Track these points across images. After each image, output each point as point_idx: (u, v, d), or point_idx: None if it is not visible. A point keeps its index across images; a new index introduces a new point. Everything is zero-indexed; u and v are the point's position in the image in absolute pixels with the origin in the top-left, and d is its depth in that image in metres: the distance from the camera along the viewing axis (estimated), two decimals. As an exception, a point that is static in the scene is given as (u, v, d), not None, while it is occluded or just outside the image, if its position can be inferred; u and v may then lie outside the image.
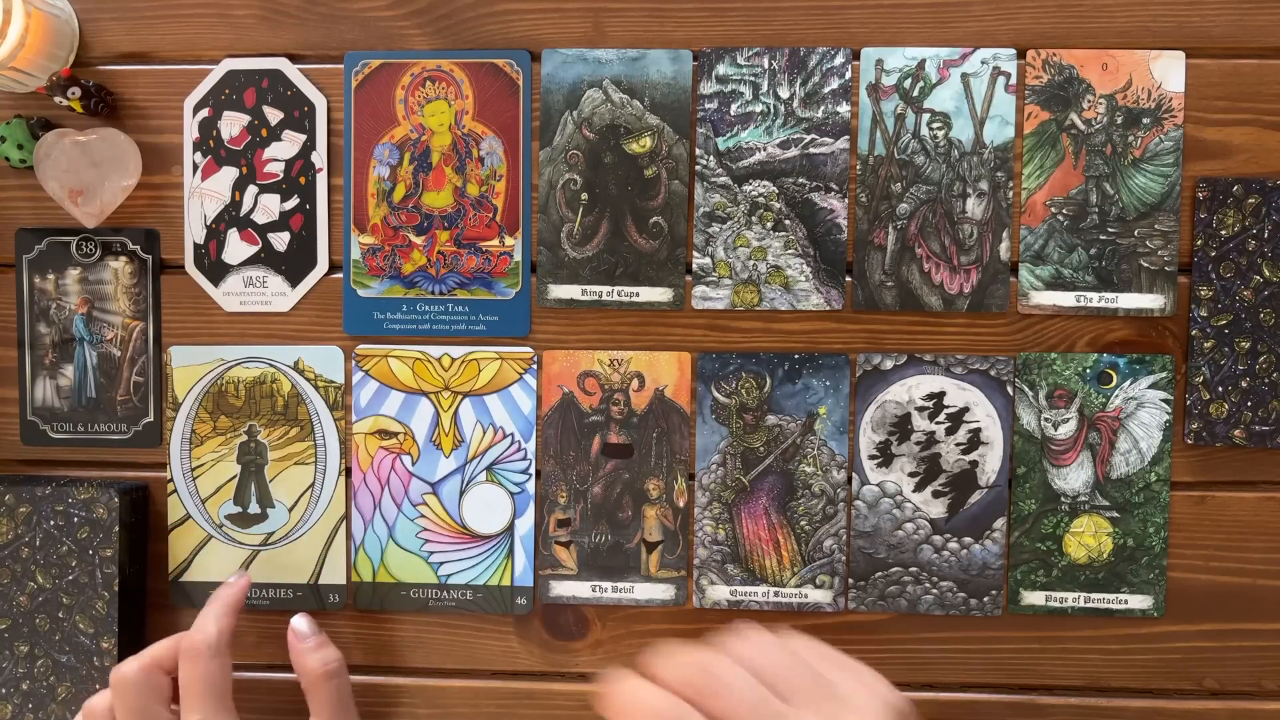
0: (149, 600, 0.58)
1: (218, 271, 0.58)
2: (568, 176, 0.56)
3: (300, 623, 0.55)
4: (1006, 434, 0.56)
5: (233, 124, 0.57)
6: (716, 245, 0.56)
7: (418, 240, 0.57)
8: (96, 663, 0.55)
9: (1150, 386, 0.55)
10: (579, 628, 0.57)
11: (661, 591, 0.57)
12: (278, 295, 0.58)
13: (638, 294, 0.56)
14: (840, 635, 0.57)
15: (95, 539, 0.55)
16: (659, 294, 0.56)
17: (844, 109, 0.55)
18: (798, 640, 0.36)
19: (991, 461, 0.56)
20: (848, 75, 0.55)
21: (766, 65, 0.55)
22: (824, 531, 0.56)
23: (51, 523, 0.55)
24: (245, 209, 0.58)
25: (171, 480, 0.58)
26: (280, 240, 0.58)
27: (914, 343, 0.56)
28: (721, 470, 0.56)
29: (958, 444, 0.56)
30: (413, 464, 0.57)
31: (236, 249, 0.58)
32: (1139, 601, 0.56)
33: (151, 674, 0.50)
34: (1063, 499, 0.55)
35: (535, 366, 0.57)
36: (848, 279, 0.56)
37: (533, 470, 0.57)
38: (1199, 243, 0.55)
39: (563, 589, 0.57)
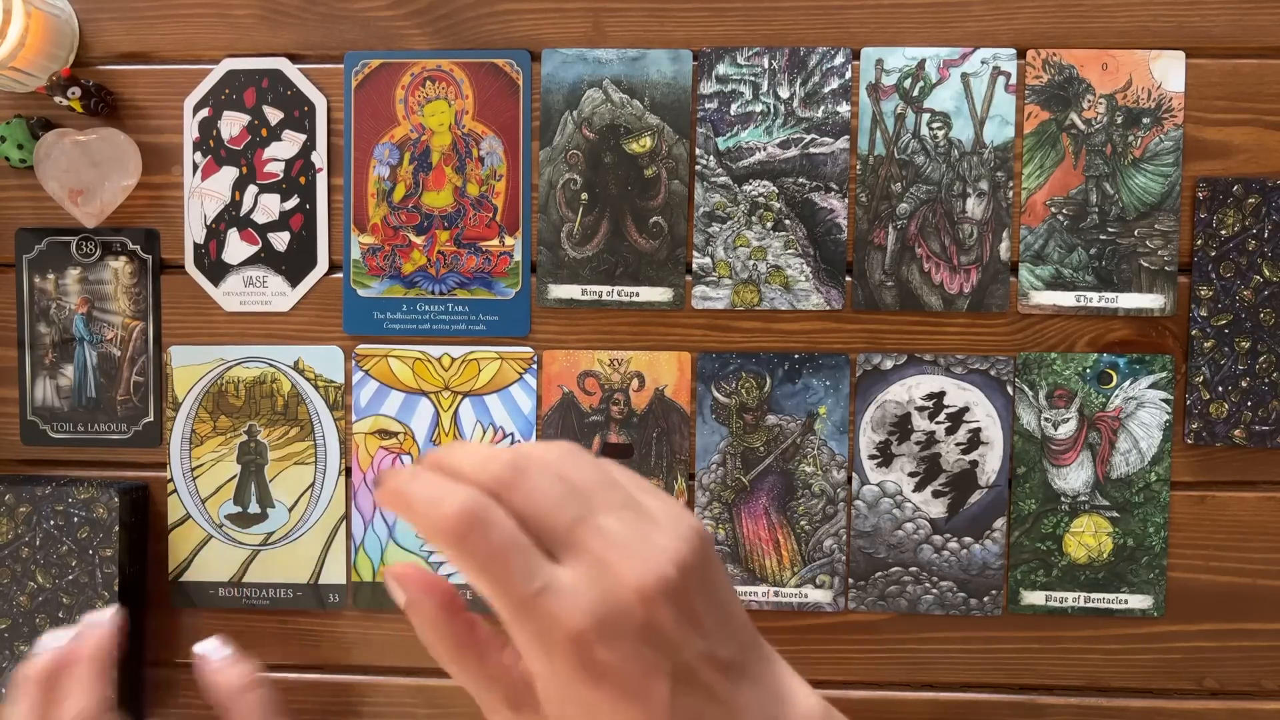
0: (149, 600, 0.58)
1: (218, 271, 0.58)
2: (568, 176, 0.56)
3: (207, 648, 0.48)
4: (1006, 434, 0.56)
5: (233, 124, 0.57)
6: (716, 245, 0.56)
7: (418, 240, 0.57)
8: None
9: (1150, 386, 0.55)
10: (579, 628, 0.57)
11: (661, 591, 0.57)
12: (278, 295, 0.58)
13: (638, 294, 0.56)
14: (840, 635, 0.57)
15: (95, 539, 0.55)
16: (659, 294, 0.56)
17: (844, 109, 0.55)
18: (610, 463, 0.33)
19: (991, 461, 0.56)
20: (848, 75, 0.55)
21: (766, 65, 0.55)
22: (824, 531, 0.56)
23: (51, 523, 0.55)
24: (245, 209, 0.58)
25: (171, 480, 0.58)
26: (280, 240, 0.58)
27: (914, 343, 0.56)
28: (721, 470, 0.56)
29: (958, 444, 0.56)
30: (413, 464, 0.57)
31: (236, 249, 0.58)
32: (1139, 601, 0.56)
33: None
34: (1063, 499, 0.55)
35: (535, 366, 0.57)
36: (848, 279, 0.56)
37: (533, 470, 0.57)
38: (1199, 242, 0.55)
39: (563, 589, 0.57)
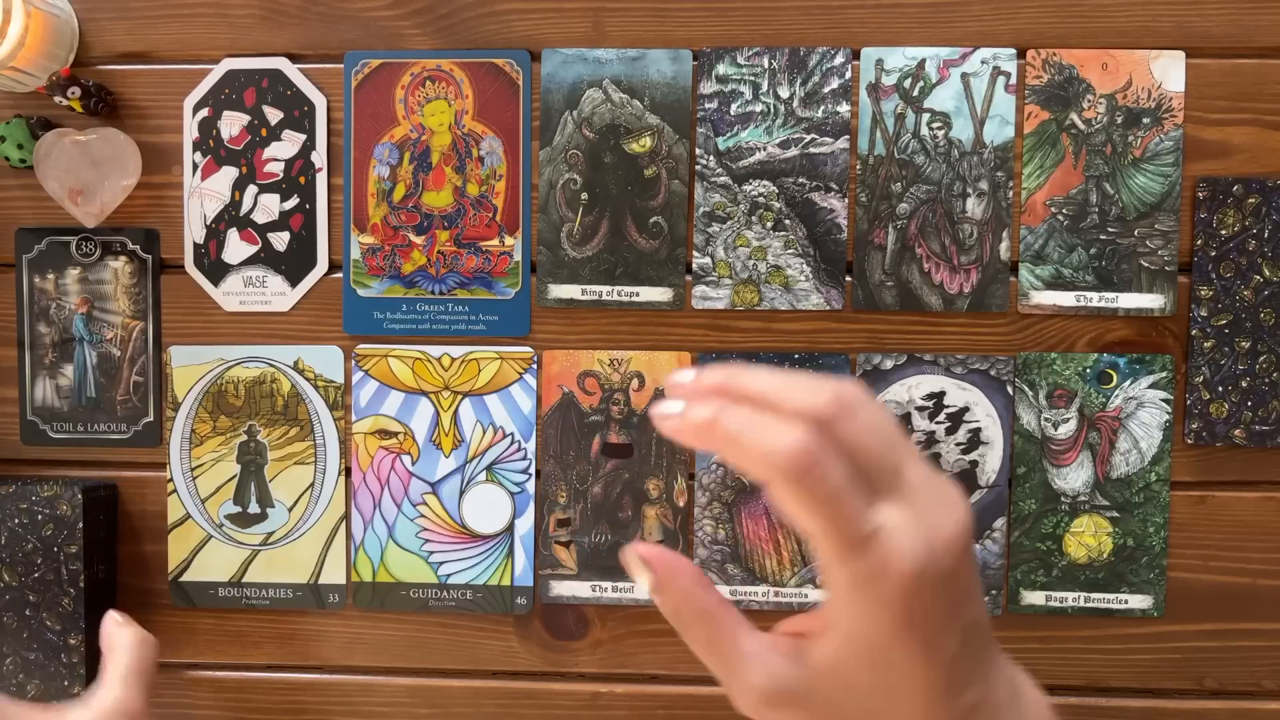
0: (152, 600, 0.58)
1: (217, 271, 0.58)
2: (568, 176, 0.56)
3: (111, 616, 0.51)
4: (1006, 434, 0.56)
5: (232, 124, 0.57)
6: (716, 245, 0.56)
7: (418, 240, 0.57)
8: (64, 659, 0.56)
9: (1150, 386, 0.55)
10: (579, 628, 0.57)
11: (661, 591, 0.57)
12: (277, 295, 0.58)
13: (638, 294, 0.56)
14: (840, 635, 0.56)
15: (60, 536, 0.55)
16: (659, 294, 0.56)
17: (844, 109, 0.55)
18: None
19: (991, 461, 0.56)
20: (848, 75, 0.55)
21: (766, 65, 0.55)
22: (824, 531, 0.56)
23: (16, 521, 0.55)
24: (245, 209, 0.58)
25: (171, 480, 0.58)
26: (280, 240, 0.58)
27: (914, 342, 0.56)
28: (721, 470, 0.56)
29: (958, 444, 0.56)
30: (413, 464, 0.57)
31: (236, 249, 0.58)
32: (1139, 601, 0.56)
33: None
34: (1063, 499, 0.55)
35: (535, 366, 0.57)
36: (848, 279, 0.56)
37: (533, 470, 0.57)
38: (1199, 242, 0.55)
39: (563, 589, 0.57)
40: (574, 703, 0.57)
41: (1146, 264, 0.55)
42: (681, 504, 0.57)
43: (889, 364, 0.56)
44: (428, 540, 0.57)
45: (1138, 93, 0.55)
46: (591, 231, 0.56)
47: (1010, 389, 0.55)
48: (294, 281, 0.58)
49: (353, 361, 0.57)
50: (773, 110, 0.55)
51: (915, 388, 0.56)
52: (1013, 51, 0.55)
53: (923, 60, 0.55)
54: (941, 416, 0.56)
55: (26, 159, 0.57)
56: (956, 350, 0.56)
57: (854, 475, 0.28)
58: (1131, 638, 0.56)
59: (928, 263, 0.56)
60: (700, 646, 0.33)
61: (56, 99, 0.55)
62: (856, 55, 0.55)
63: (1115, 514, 0.55)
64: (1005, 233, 0.55)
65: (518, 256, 0.57)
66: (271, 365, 0.58)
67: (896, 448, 0.30)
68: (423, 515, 0.57)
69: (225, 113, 0.57)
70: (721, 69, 0.56)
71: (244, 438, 0.58)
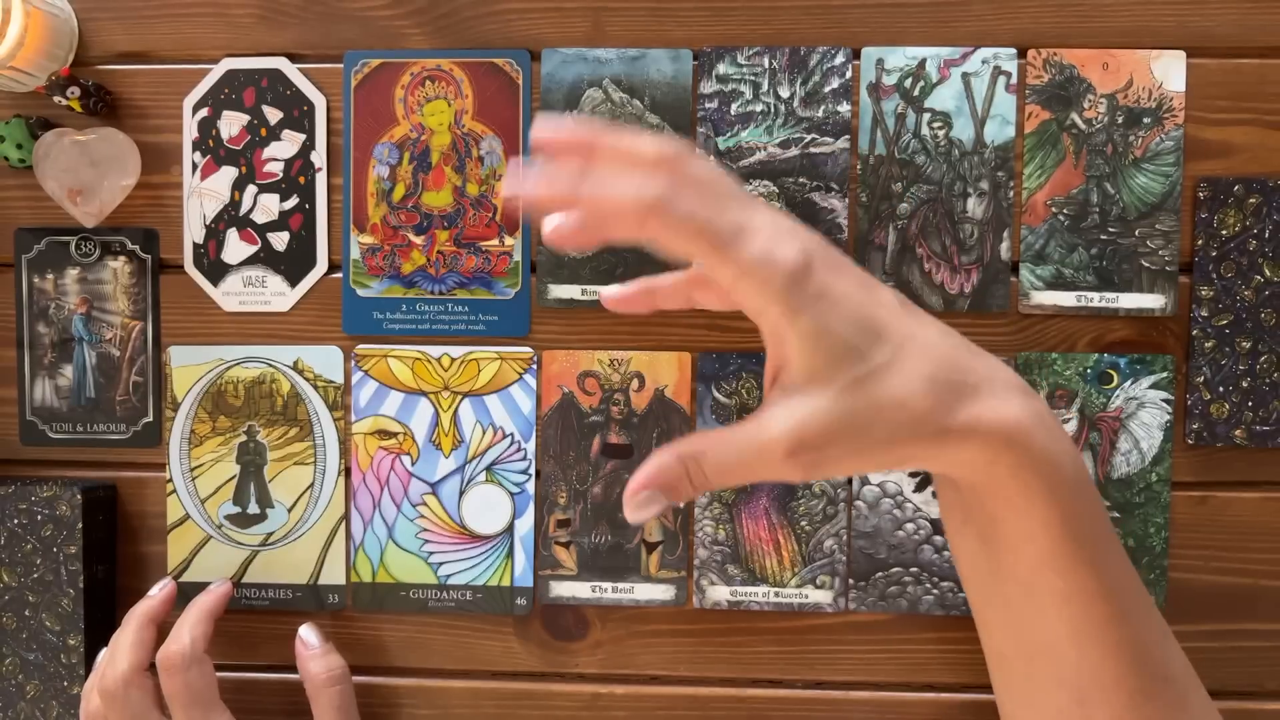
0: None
1: (217, 271, 0.58)
2: (568, 176, 0.56)
3: (307, 632, 0.56)
4: (1007, 434, 0.55)
5: (232, 123, 0.57)
6: (717, 245, 0.56)
7: (417, 240, 0.57)
8: (64, 660, 0.55)
9: (1151, 386, 0.55)
10: (579, 628, 0.57)
11: (662, 592, 0.57)
12: (277, 295, 0.58)
13: (638, 294, 0.56)
14: (841, 635, 0.56)
15: (59, 536, 0.55)
16: (659, 294, 0.56)
17: (844, 108, 0.55)
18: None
19: (992, 462, 0.56)
20: (848, 75, 0.55)
21: (767, 65, 0.55)
22: (824, 532, 0.56)
23: (15, 521, 0.55)
24: (244, 209, 0.58)
25: (171, 480, 0.58)
26: (279, 240, 0.58)
27: (914, 343, 0.56)
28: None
29: (958, 444, 0.56)
30: (412, 464, 0.57)
31: (236, 249, 0.58)
32: (1140, 602, 0.55)
33: (137, 683, 0.52)
34: (1063, 499, 0.55)
35: (535, 366, 0.57)
36: (848, 279, 0.56)
37: (532, 470, 0.57)
38: (1200, 242, 0.55)
39: (563, 589, 0.57)
40: (574, 703, 0.57)
41: (1147, 264, 0.55)
42: (681, 504, 0.57)
43: (889, 364, 0.56)
44: (427, 541, 0.57)
45: (1139, 92, 0.55)
46: (591, 231, 0.56)
47: (1011, 389, 0.55)
48: (293, 281, 0.58)
49: (352, 362, 0.57)
50: (773, 110, 0.55)
51: (916, 388, 0.56)
52: (1013, 51, 0.55)
53: (923, 60, 0.55)
54: (942, 417, 0.56)
55: (26, 159, 0.56)
56: (957, 350, 0.56)
57: (710, 198, 0.34)
58: (1132, 638, 0.56)
59: (928, 263, 0.55)
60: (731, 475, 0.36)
61: (56, 99, 0.55)
62: (857, 55, 0.55)
63: (1116, 514, 0.55)
64: (1006, 233, 0.55)
65: (517, 256, 0.57)
66: (271, 365, 0.58)
67: (737, 186, 0.35)
68: (422, 516, 0.57)
69: (225, 112, 0.57)
70: (722, 69, 0.55)
71: (243, 438, 0.58)
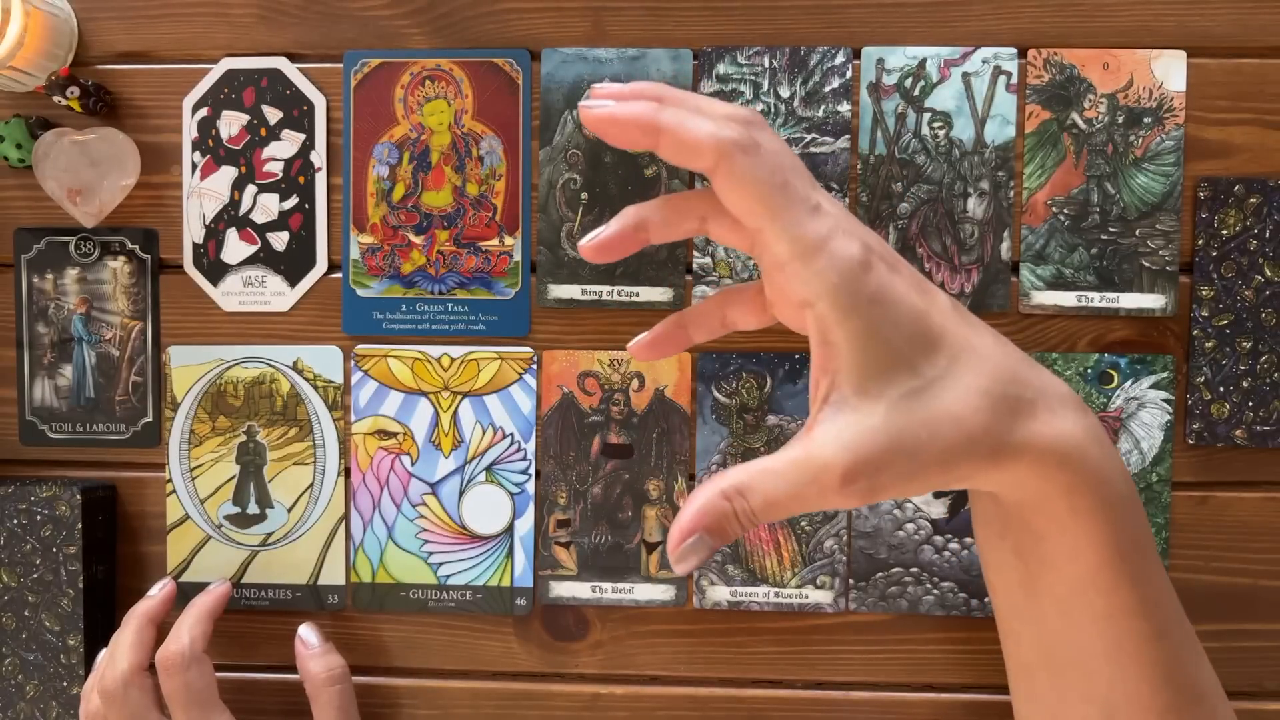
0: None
1: (216, 271, 0.58)
2: (568, 176, 0.56)
3: (307, 632, 0.56)
4: (1007, 434, 0.55)
5: (232, 123, 0.57)
6: (717, 245, 0.56)
7: (417, 240, 0.57)
8: (64, 660, 0.55)
9: (1151, 386, 0.55)
10: (579, 629, 0.57)
11: (662, 592, 0.57)
12: (277, 295, 0.58)
13: (638, 294, 0.56)
14: (841, 636, 0.56)
15: (59, 536, 0.55)
16: (659, 294, 0.56)
17: (845, 108, 0.55)
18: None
19: (992, 462, 0.55)
20: (848, 74, 0.55)
21: (767, 64, 0.55)
22: (825, 532, 0.56)
23: (15, 521, 0.55)
24: (244, 208, 0.57)
25: (170, 480, 0.58)
26: (279, 240, 0.57)
27: (915, 343, 0.56)
28: (722, 470, 0.56)
29: (958, 444, 0.56)
30: (412, 464, 0.57)
31: (235, 249, 0.58)
32: (1140, 602, 0.55)
33: (136, 683, 0.52)
34: (1064, 499, 0.55)
35: (535, 366, 0.57)
36: (848, 279, 0.56)
37: (532, 470, 0.57)
38: (1200, 242, 0.55)
39: (562, 590, 0.57)
40: (574, 704, 0.57)
41: (1148, 264, 0.55)
42: (682, 504, 0.57)
43: (889, 364, 0.56)
44: (427, 541, 0.57)
45: (1139, 92, 0.55)
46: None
47: (1011, 389, 0.55)
48: (293, 281, 0.58)
49: (352, 362, 0.57)
50: (773, 110, 0.55)
51: (916, 388, 0.56)
52: (1014, 51, 0.55)
53: (924, 60, 0.55)
54: (942, 417, 0.56)
55: (25, 159, 0.56)
56: (957, 350, 0.56)
57: (782, 164, 0.33)
58: (1132, 638, 0.56)
59: (929, 262, 0.55)
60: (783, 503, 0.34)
61: (55, 99, 0.55)
62: (857, 55, 0.55)
63: (1116, 514, 0.55)
64: (1006, 233, 0.55)
65: (517, 256, 0.57)
66: (270, 365, 0.58)
67: (805, 168, 0.35)
68: (422, 516, 0.57)
69: (224, 112, 0.57)
70: (722, 68, 0.55)
71: (243, 438, 0.58)
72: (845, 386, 0.32)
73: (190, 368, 0.58)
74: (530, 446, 0.57)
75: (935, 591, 0.56)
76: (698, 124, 0.32)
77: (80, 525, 0.55)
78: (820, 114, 0.55)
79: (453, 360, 0.57)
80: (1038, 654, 0.38)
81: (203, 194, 0.58)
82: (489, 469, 0.57)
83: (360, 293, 0.57)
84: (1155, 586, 0.35)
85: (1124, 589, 0.34)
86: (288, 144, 0.57)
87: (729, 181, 0.32)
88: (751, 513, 0.32)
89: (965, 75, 0.55)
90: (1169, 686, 0.35)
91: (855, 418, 0.31)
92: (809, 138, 0.55)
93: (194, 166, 0.58)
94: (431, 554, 0.57)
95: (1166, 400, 0.55)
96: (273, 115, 0.57)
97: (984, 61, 0.55)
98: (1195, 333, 0.55)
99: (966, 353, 0.33)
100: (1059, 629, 0.36)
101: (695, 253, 0.56)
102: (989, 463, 0.32)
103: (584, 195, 0.56)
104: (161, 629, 0.54)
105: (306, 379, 0.58)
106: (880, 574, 0.56)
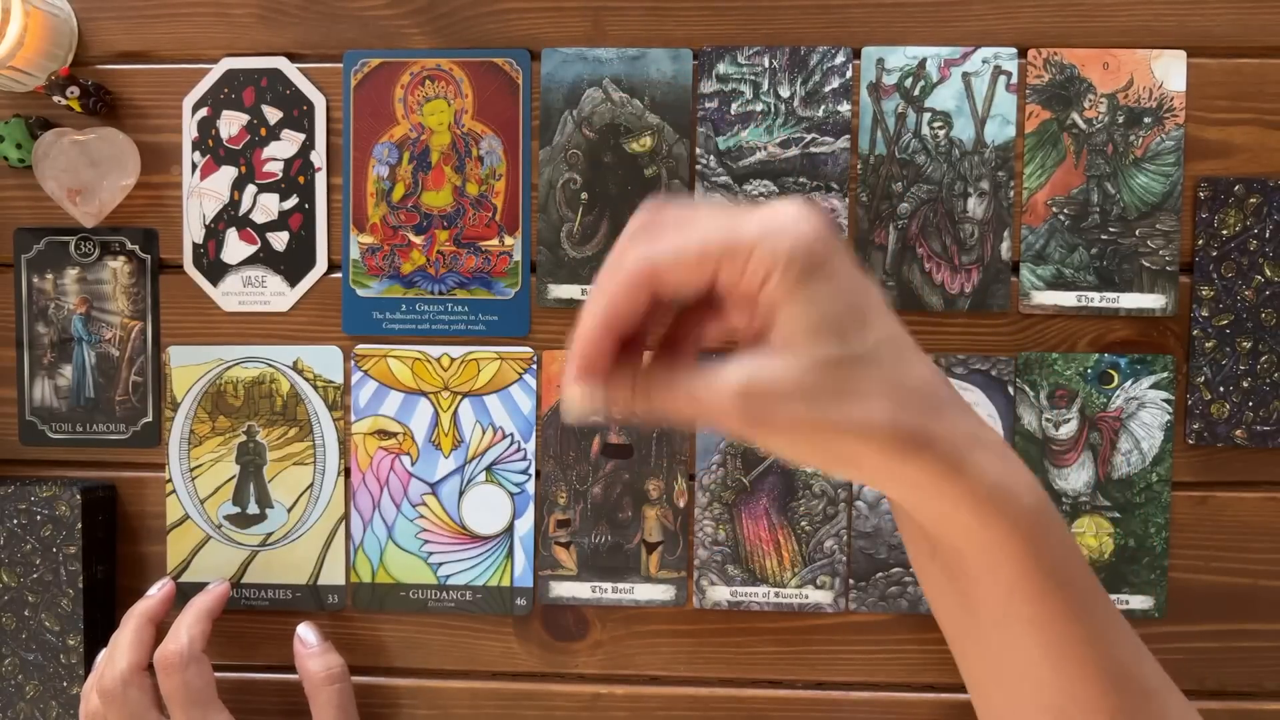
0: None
1: (216, 271, 0.58)
2: (568, 176, 0.56)
3: (305, 631, 0.56)
4: (1008, 434, 0.55)
5: (231, 123, 0.57)
6: (717, 245, 0.56)
7: (417, 240, 0.57)
8: (63, 660, 0.55)
9: (1151, 386, 0.55)
10: (579, 628, 0.57)
11: (662, 592, 0.57)
12: (276, 295, 0.58)
13: (638, 294, 0.56)
14: (841, 635, 0.56)
15: (58, 537, 0.55)
16: (659, 294, 0.56)
17: (845, 108, 0.55)
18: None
19: (992, 462, 0.55)
20: (848, 74, 0.55)
21: (767, 64, 0.55)
22: (825, 532, 0.56)
23: (15, 521, 0.55)
24: (244, 208, 0.57)
25: (170, 480, 0.58)
26: (279, 240, 0.57)
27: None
28: (722, 470, 0.56)
29: (958, 444, 0.56)
30: (412, 464, 0.57)
31: (235, 248, 0.58)
32: (1140, 602, 0.55)
33: (135, 682, 0.52)
34: (1064, 499, 0.55)
35: (535, 366, 0.57)
36: (848, 279, 0.56)
37: (532, 470, 0.57)
38: (1200, 242, 0.55)
39: (562, 590, 0.57)
40: (574, 704, 0.57)
41: (1148, 264, 0.55)
42: (681, 504, 0.57)
43: (889, 364, 0.56)
44: (427, 541, 0.57)
45: (1139, 92, 0.55)
46: (591, 231, 0.56)
47: (1011, 389, 0.55)
48: (293, 281, 0.58)
49: (352, 362, 0.57)
50: (773, 110, 0.55)
51: (916, 388, 0.56)
52: (1014, 51, 0.55)
53: (924, 59, 0.55)
54: (942, 417, 0.56)
55: (25, 159, 0.56)
56: (957, 350, 0.56)
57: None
58: (1133, 638, 0.56)
59: (929, 262, 0.55)
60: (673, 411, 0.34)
61: (55, 98, 0.55)
62: (857, 54, 0.55)
63: (1116, 514, 0.55)
64: (1006, 232, 0.55)
65: (517, 256, 0.57)
66: (270, 365, 0.58)
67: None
68: (422, 516, 0.57)
69: (224, 112, 0.57)
70: (722, 68, 0.55)
71: (243, 438, 0.58)
72: (772, 338, 0.33)
73: (190, 368, 0.58)
74: (530, 446, 0.57)
75: (935, 591, 0.56)
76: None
77: (80, 525, 0.55)
78: (820, 114, 0.55)
79: (453, 360, 0.57)
80: (987, 670, 0.39)
81: (203, 194, 0.58)
82: (489, 469, 0.57)
83: (360, 293, 0.57)
84: (1081, 588, 0.36)
85: (1050, 595, 0.35)
86: (288, 144, 0.57)
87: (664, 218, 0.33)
88: (647, 391, 0.33)
89: (965, 75, 0.55)
90: (1116, 687, 0.36)
91: (770, 355, 0.32)
92: (809, 137, 0.55)
93: (194, 166, 0.58)
94: (431, 554, 0.57)
95: (1166, 400, 0.55)
96: (273, 115, 0.57)
97: (984, 61, 0.55)
98: (1195, 333, 0.55)
99: (893, 342, 0.33)
100: (1001, 643, 0.37)
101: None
102: (885, 451, 0.32)
103: (584, 195, 0.56)
104: (161, 629, 0.54)
105: (306, 379, 0.57)
106: (880, 574, 0.56)
